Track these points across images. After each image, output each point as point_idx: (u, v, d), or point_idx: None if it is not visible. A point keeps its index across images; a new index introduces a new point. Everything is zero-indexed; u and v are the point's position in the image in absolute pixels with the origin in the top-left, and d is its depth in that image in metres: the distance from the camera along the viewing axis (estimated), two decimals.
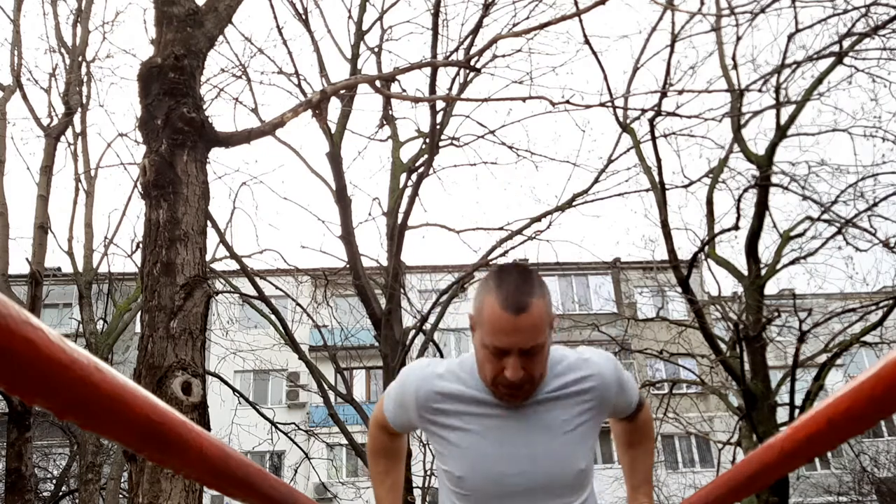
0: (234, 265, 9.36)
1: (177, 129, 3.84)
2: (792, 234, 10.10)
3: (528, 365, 1.47)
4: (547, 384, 1.57)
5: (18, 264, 20.48)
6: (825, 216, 9.62)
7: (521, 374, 1.47)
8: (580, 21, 6.43)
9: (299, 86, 8.81)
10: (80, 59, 10.32)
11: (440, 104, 8.64)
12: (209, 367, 5.46)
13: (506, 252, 9.37)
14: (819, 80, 9.27)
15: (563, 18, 5.51)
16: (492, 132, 9.77)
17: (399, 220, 8.77)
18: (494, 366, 1.49)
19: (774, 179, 9.71)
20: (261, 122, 6.48)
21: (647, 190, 10.10)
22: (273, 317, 9.01)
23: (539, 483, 1.57)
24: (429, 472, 9.01)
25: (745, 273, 9.92)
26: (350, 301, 10.03)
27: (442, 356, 9.13)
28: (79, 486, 10.76)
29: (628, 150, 10.01)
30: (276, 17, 8.66)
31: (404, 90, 8.91)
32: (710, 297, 11.48)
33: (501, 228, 9.58)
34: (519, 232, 9.40)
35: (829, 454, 20.55)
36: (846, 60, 9.12)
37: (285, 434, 9.28)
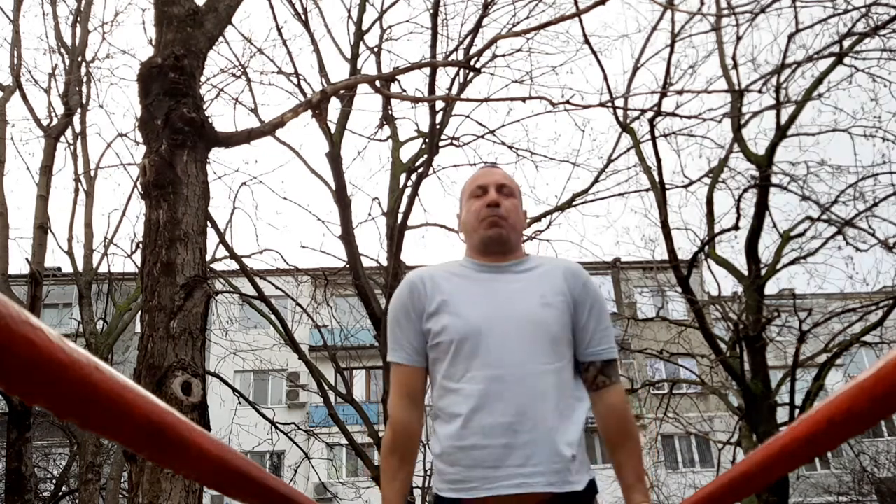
0: (234, 265, 9.35)
1: (177, 129, 3.84)
2: (792, 234, 10.09)
3: (504, 200, 1.91)
4: (523, 264, 1.91)
5: (18, 264, 20.52)
6: (825, 216, 9.61)
7: (499, 198, 1.90)
8: (580, 21, 6.44)
9: (299, 86, 8.81)
10: (79, 59, 10.32)
11: (440, 104, 8.64)
12: (209, 367, 5.45)
13: None
14: (819, 80, 9.26)
15: (563, 18, 5.51)
16: (492, 132, 9.77)
17: (399, 220, 8.76)
18: (478, 204, 1.91)
19: (774, 179, 9.71)
20: (261, 122, 6.48)
21: (647, 190, 10.10)
22: (273, 317, 9.00)
23: (516, 328, 1.76)
24: (428, 473, 9.00)
25: (745, 273, 9.91)
26: (350, 301, 10.02)
27: None
28: (79, 486, 10.75)
29: (628, 149, 10.02)
30: (275, 17, 8.67)
31: (404, 90, 8.89)
32: (710, 297, 11.47)
33: None
34: None
35: (829, 454, 20.54)
36: (846, 60, 9.11)
37: (285, 434, 9.27)
